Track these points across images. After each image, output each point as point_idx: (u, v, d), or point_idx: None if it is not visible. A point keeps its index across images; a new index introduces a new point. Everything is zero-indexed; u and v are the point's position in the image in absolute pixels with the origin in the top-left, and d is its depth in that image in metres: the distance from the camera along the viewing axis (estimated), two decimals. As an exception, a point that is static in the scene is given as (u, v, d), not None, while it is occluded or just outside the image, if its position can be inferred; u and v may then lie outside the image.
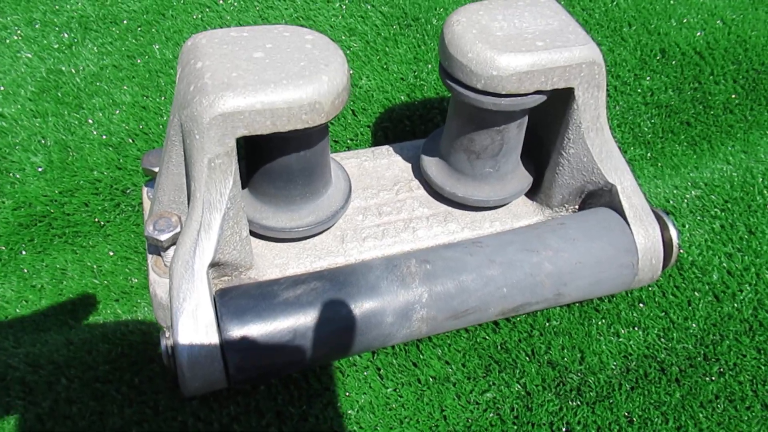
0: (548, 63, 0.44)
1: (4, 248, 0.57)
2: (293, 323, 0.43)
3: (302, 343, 0.43)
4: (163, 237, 0.44)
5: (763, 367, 0.52)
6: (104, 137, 0.62)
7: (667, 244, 0.49)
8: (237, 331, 0.42)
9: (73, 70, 0.68)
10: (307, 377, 0.49)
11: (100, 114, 0.63)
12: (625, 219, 0.49)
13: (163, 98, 0.66)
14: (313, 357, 0.44)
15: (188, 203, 0.44)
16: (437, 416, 0.48)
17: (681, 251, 0.58)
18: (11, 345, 0.50)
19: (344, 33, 0.72)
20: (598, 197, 0.51)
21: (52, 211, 0.58)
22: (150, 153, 0.51)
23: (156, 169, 0.50)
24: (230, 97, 0.39)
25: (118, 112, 0.64)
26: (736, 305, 0.55)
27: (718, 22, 0.78)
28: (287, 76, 0.40)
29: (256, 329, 0.42)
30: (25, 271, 0.55)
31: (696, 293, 0.55)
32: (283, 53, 0.42)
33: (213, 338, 0.42)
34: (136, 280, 0.56)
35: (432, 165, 0.53)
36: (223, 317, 0.42)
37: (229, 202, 0.42)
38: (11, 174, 0.59)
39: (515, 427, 0.48)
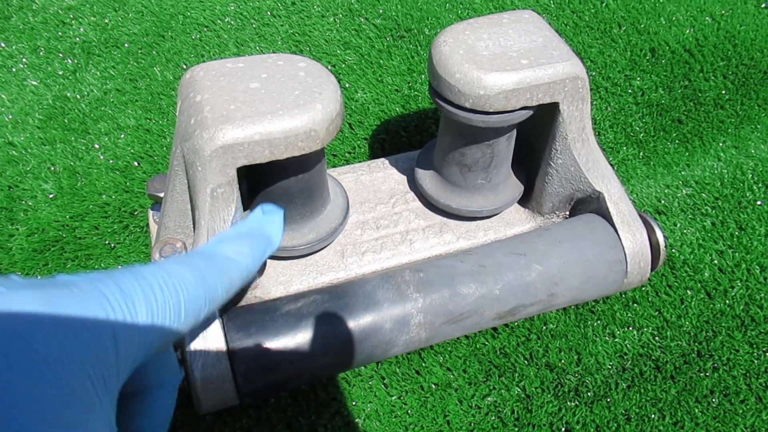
0: (533, 80, 0.45)
1: (20, 273, 0.59)
2: (296, 337, 0.45)
3: (305, 354, 0.45)
4: (171, 263, 0.46)
5: (755, 361, 0.54)
6: (111, 161, 0.64)
7: (654, 247, 0.51)
8: (244, 347, 0.44)
9: (78, 96, 0.70)
10: (315, 389, 0.51)
11: (106, 138, 0.65)
12: (612, 225, 0.50)
13: (165, 120, 0.68)
14: (317, 367, 0.46)
15: (193, 228, 0.46)
16: (441, 421, 0.50)
17: (669, 252, 0.60)
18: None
19: (339, 47, 0.74)
20: (587, 204, 0.53)
21: (64, 235, 0.60)
22: (154, 179, 0.53)
23: (160, 195, 0.52)
24: (229, 130, 0.41)
25: (123, 136, 0.66)
26: (728, 302, 0.57)
27: (707, 18, 0.79)
28: (283, 107, 0.42)
29: (262, 344, 0.44)
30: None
31: (688, 291, 0.57)
32: (278, 83, 0.44)
33: (223, 357, 0.44)
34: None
35: (426, 178, 0.55)
36: (231, 335, 0.45)
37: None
38: (24, 201, 0.61)
39: (516, 429, 0.50)
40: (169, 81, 0.71)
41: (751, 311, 0.56)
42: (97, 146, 0.65)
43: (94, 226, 0.61)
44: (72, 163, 0.63)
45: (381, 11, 0.77)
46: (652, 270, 0.52)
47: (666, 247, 0.51)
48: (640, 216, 0.51)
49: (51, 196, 0.61)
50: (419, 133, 0.69)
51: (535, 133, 0.53)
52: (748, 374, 0.53)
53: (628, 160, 0.71)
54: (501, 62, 0.46)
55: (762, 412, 0.51)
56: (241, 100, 0.42)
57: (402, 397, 0.51)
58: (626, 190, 0.67)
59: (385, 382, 0.51)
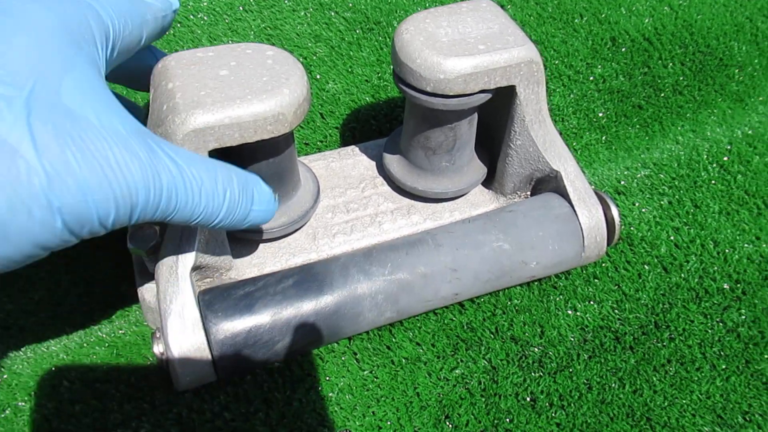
0: (490, 64, 0.48)
1: (0, 264, 0.60)
2: (271, 315, 0.47)
3: (280, 330, 0.47)
4: (145, 248, 0.48)
5: (709, 331, 0.56)
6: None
7: (610, 222, 0.53)
8: (221, 326, 0.46)
9: (54, 91, 0.71)
10: (290, 365, 0.53)
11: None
12: (570, 202, 0.53)
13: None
14: (290, 344, 0.48)
15: (169, 213, 0.47)
16: (411, 393, 0.52)
17: (627, 230, 0.62)
18: (14, 354, 0.54)
19: (310, 40, 0.76)
20: (546, 183, 0.55)
21: (43, 226, 0.61)
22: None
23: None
24: (200, 114, 0.43)
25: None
26: (683, 275, 0.60)
27: (666, 8, 0.82)
28: (251, 92, 0.44)
29: (238, 323, 0.46)
30: (22, 284, 0.59)
31: (646, 266, 0.60)
32: (247, 70, 0.46)
33: (200, 335, 0.46)
34: (127, 285, 0.60)
35: (393, 162, 0.57)
36: (207, 314, 0.46)
37: None
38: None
39: (483, 399, 0.52)
40: (144, 75, 0.73)
41: (705, 284, 0.59)
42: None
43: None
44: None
45: (350, 5, 0.79)
46: (608, 244, 0.54)
47: (621, 222, 0.54)
48: (596, 193, 0.54)
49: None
50: (388, 122, 0.71)
51: (495, 117, 0.55)
52: (702, 343, 0.56)
53: (591, 145, 0.73)
54: (459, 48, 0.48)
55: (716, 379, 0.54)
56: (211, 86, 0.44)
57: (374, 371, 0.53)
58: (588, 172, 0.70)
59: (357, 357, 0.54)
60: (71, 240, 0.33)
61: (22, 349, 0.54)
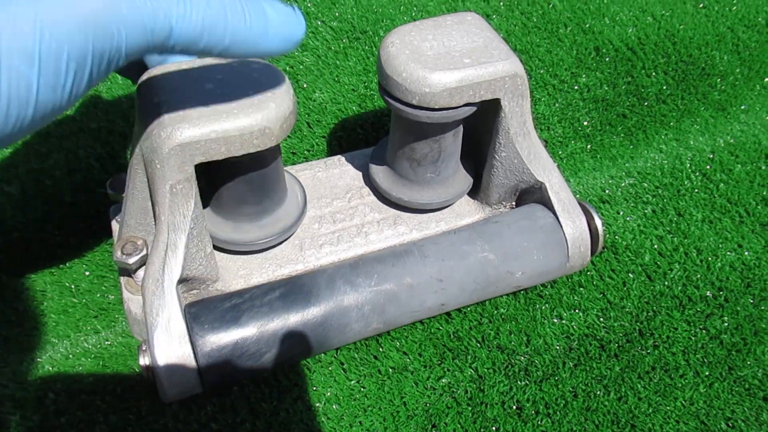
0: (475, 78, 0.48)
1: (-15, 275, 0.60)
2: (257, 327, 0.47)
3: (267, 341, 0.48)
4: (131, 260, 0.48)
5: (693, 338, 0.57)
6: (73, 163, 0.65)
7: (593, 232, 0.54)
8: (207, 338, 0.46)
9: (39, 100, 0.71)
10: (277, 375, 0.53)
11: (68, 141, 0.67)
12: (554, 213, 0.54)
13: (126, 123, 0.69)
14: (277, 356, 0.48)
15: (155, 224, 0.48)
16: (398, 403, 0.52)
17: (612, 239, 0.63)
18: (-1, 365, 0.54)
19: (297, 49, 0.76)
20: (531, 194, 0.56)
21: (28, 236, 0.61)
22: (114, 179, 0.55)
23: (121, 194, 0.54)
24: (186, 129, 0.43)
25: (84, 137, 0.67)
26: (666, 283, 0.60)
27: (649, 18, 0.83)
28: (238, 106, 0.44)
29: (225, 335, 0.47)
30: (7, 295, 0.59)
31: (630, 275, 0.61)
32: (233, 84, 0.46)
33: (186, 347, 0.46)
34: (113, 297, 0.59)
35: (379, 173, 0.57)
36: (193, 327, 0.47)
37: (192, 223, 0.46)
38: (-13, 204, 0.62)
39: (470, 408, 0.52)
40: (129, 84, 0.73)
41: (689, 291, 0.60)
42: (59, 148, 0.66)
43: (57, 226, 0.62)
44: (35, 166, 0.64)
45: (337, 14, 0.80)
46: (592, 254, 0.55)
47: (605, 232, 0.54)
48: (580, 204, 0.55)
49: (14, 198, 0.63)
50: (375, 130, 0.72)
51: (480, 129, 0.56)
52: (686, 351, 0.56)
53: (576, 154, 0.74)
54: (445, 61, 0.48)
55: (700, 386, 0.54)
56: (198, 100, 0.44)
57: (360, 381, 0.53)
58: (573, 181, 0.71)
59: (344, 367, 0.54)
60: None
61: (7, 361, 0.54)
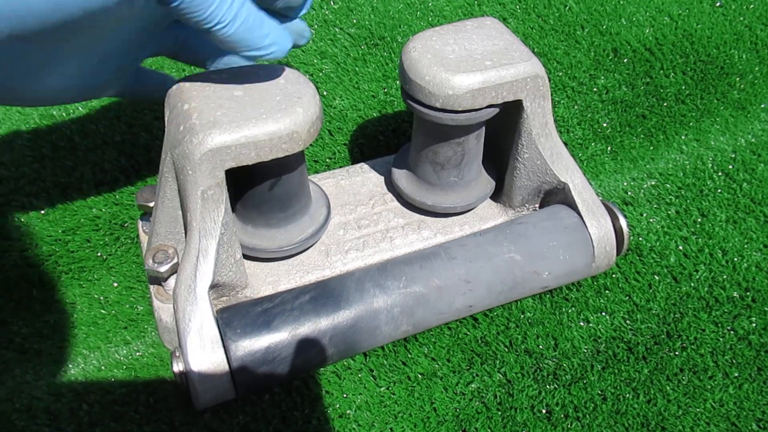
0: (497, 80, 0.48)
1: (15, 289, 0.61)
2: (289, 331, 0.47)
3: (298, 348, 0.48)
4: (163, 269, 0.49)
5: (721, 339, 0.57)
6: (99, 175, 0.66)
7: (618, 232, 0.54)
8: (240, 343, 0.47)
9: (64, 114, 0.72)
10: (308, 383, 0.53)
11: (93, 154, 0.68)
12: (578, 213, 0.54)
13: (150, 134, 0.70)
14: (308, 360, 0.48)
15: (185, 233, 0.48)
16: (428, 409, 0.52)
17: (636, 241, 0.63)
18: (32, 378, 0.54)
19: (315, 57, 0.77)
20: (554, 195, 0.56)
21: (57, 249, 0.62)
22: (143, 190, 0.55)
23: (150, 204, 0.54)
24: (217, 134, 0.43)
25: (109, 150, 0.68)
26: (693, 284, 0.60)
27: (666, 18, 0.83)
28: (266, 111, 0.45)
29: (257, 339, 0.47)
30: (38, 308, 0.60)
31: (656, 276, 0.60)
32: (260, 90, 0.47)
33: (219, 352, 0.46)
34: (141, 308, 0.60)
35: (402, 178, 0.58)
36: (226, 332, 0.47)
37: (222, 228, 0.46)
38: (17, 218, 0.63)
39: (499, 413, 0.52)
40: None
41: (715, 292, 0.59)
42: (84, 161, 0.67)
43: (85, 239, 0.63)
44: (62, 180, 0.65)
45: (355, 21, 0.80)
46: (618, 254, 0.55)
47: (630, 232, 0.54)
48: (604, 204, 0.55)
49: (42, 212, 0.63)
50: (396, 137, 0.72)
51: (502, 131, 0.56)
52: (714, 352, 0.56)
53: (596, 156, 0.74)
54: (467, 64, 0.49)
55: (729, 387, 0.54)
56: (227, 106, 0.45)
57: (390, 388, 0.53)
58: (595, 183, 0.70)
59: (373, 374, 0.54)
60: None
61: (41, 373, 0.55)
